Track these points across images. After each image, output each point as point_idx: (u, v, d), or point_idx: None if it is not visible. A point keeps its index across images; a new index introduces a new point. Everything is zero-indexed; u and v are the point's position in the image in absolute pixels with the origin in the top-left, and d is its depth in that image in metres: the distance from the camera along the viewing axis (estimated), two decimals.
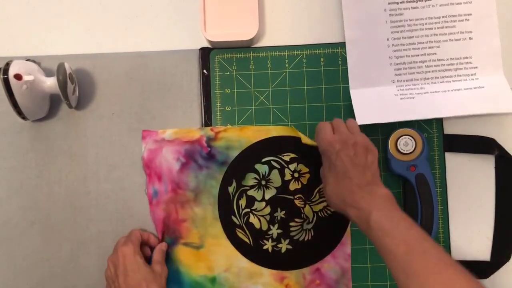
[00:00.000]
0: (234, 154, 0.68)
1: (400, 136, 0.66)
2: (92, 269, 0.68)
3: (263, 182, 0.68)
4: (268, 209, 0.68)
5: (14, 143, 0.69)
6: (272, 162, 0.68)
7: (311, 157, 0.67)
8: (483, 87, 0.67)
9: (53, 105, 0.70)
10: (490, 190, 0.68)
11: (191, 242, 0.68)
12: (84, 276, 0.68)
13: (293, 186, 0.68)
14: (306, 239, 0.67)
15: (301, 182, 0.68)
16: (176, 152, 0.68)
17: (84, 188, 0.69)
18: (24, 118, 0.65)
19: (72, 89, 0.66)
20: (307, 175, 0.68)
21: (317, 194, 0.68)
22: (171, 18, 0.71)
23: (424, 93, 0.67)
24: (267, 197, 0.68)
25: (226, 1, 0.68)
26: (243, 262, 0.67)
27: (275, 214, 0.67)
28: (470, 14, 0.67)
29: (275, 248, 0.67)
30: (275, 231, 0.67)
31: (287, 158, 0.68)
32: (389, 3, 0.68)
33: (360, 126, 0.67)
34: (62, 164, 0.69)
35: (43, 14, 0.72)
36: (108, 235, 0.68)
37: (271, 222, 0.67)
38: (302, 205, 0.67)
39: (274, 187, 0.68)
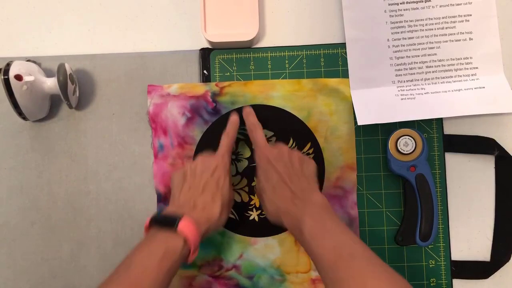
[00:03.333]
0: None
1: (400, 137, 0.66)
2: (92, 269, 0.68)
3: (233, 157, 0.68)
4: (245, 181, 0.68)
5: (14, 143, 0.69)
6: (237, 135, 0.68)
7: (273, 120, 0.68)
8: (483, 87, 0.67)
9: (53, 105, 0.70)
10: (490, 190, 0.68)
11: None
12: (84, 276, 0.68)
13: None
14: None
15: None
16: (182, 107, 0.69)
17: (84, 188, 0.69)
18: (24, 118, 0.65)
19: (73, 89, 0.66)
20: (273, 138, 0.68)
21: None
22: (171, 19, 0.71)
23: (425, 93, 0.67)
24: (240, 169, 0.68)
25: (226, 1, 0.68)
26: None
27: (253, 184, 0.68)
28: (470, 15, 0.67)
29: (260, 216, 0.68)
30: (256, 200, 0.68)
31: None
32: (389, 4, 0.68)
33: (361, 126, 0.68)
34: (62, 164, 0.69)
35: (43, 14, 0.72)
36: (108, 235, 0.68)
37: (251, 192, 0.68)
38: None
39: (245, 158, 0.68)
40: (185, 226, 0.53)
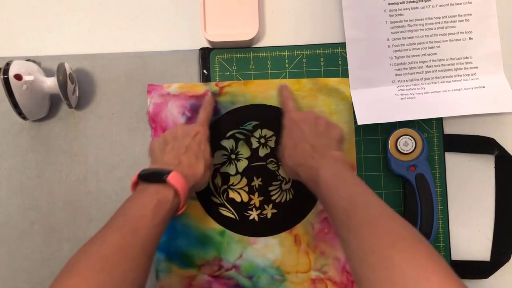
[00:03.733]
0: None
1: (400, 136, 0.66)
2: None
3: (233, 156, 0.68)
4: (244, 181, 0.68)
5: (14, 143, 0.69)
6: (236, 134, 0.69)
7: (273, 119, 0.68)
8: (483, 87, 0.67)
9: (53, 105, 0.70)
10: (490, 190, 0.68)
11: None
12: None
13: (262, 152, 0.68)
14: (288, 199, 0.68)
15: (269, 146, 0.68)
16: (182, 107, 0.69)
17: (84, 188, 0.69)
18: (24, 118, 0.65)
19: (72, 89, 0.66)
20: (273, 138, 0.68)
21: None
22: (171, 18, 0.71)
23: (425, 93, 0.67)
24: (240, 169, 0.68)
25: (226, 1, 0.68)
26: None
27: (253, 184, 0.68)
28: (470, 14, 0.67)
29: (260, 216, 0.68)
30: (256, 199, 0.68)
31: (249, 127, 0.68)
32: (389, 4, 0.68)
33: (361, 126, 0.68)
34: (62, 164, 0.69)
35: (43, 14, 0.72)
36: None
37: (251, 192, 0.68)
38: (276, 168, 0.68)
39: (245, 158, 0.68)
40: (174, 178, 0.54)
